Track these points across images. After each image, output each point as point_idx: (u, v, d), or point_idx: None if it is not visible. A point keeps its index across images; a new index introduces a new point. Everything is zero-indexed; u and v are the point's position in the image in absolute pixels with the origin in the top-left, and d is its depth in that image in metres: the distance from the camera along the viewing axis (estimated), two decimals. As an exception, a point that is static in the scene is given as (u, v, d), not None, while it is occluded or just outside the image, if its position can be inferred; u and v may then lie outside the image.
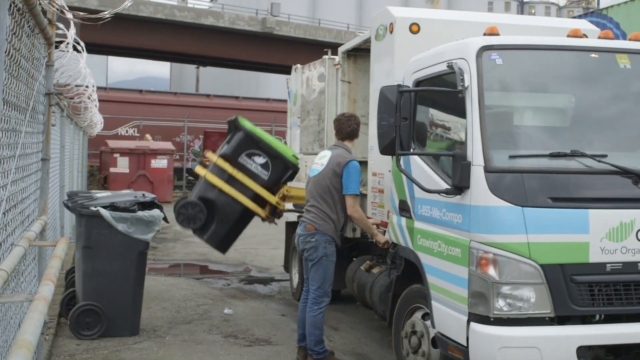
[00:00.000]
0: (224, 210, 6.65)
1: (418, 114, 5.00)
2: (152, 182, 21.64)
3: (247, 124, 6.73)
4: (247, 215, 6.79)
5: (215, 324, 7.26)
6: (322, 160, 5.98)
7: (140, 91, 29.09)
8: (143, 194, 6.92)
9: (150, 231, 6.57)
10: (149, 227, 6.55)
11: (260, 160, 6.64)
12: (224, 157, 6.68)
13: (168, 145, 23.39)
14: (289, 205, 7.23)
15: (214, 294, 8.87)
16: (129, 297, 6.61)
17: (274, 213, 6.91)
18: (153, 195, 6.97)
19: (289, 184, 7.04)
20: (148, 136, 25.07)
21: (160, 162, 22.14)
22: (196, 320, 7.43)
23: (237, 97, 30.92)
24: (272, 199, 6.73)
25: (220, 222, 6.68)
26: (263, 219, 6.90)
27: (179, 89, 51.94)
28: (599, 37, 4.97)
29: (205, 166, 6.84)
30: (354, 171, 5.78)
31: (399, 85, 4.81)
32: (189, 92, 42.03)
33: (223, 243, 6.98)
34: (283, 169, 6.72)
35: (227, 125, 6.94)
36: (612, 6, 15.54)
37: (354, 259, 7.09)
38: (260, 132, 6.76)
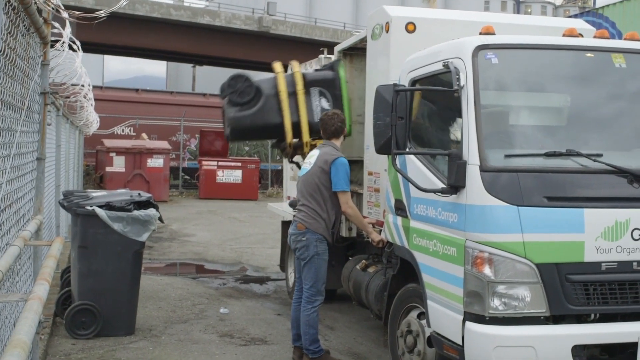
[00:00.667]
0: (266, 111, 6.72)
1: (414, 113, 5.00)
2: (148, 182, 21.60)
3: (342, 72, 6.88)
4: (277, 130, 6.80)
5: (211, 324, 7.26)
6: (310, 159, 6.01)
7: (137, 90, 29.03)
8: (139, 193, 6.91)
9: (146, 231, 6.56)
10: (144, 226, 6.54)
11: (325, 104, 6.77)
12: (303, 75, 6.79)
13: (164, 144, 23.35)
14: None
15: (209, 294, 8.86)
16: (125, 296, 6.60)
17: (296, 148, 6.97)
18: (149, 195, 6.96)
19: None
20: (144, 135, 25.02)
21: (156, 162, 22.10)
22: (192, 319, 7.43)
23: (233, 96, 30.84)
24: (307, 137, 6.79)
25: (255, 114, 6.72)
26: (284, 146, 6.96)
27: (175, 88, 51.86)
28: (595, 37, 4.98)
29: (285, 69, 6.96)
30: (341, 168, 5.78)
31: (395, 85, 4.82)
32: (186, 91, 41.95)
33: (240, 132, 6.96)
34: None
35: (322, 67, 7.11)
36: (607, 5, 15.58)
37: (350, 258, 7.09)
38: (344, 87, 6.87)
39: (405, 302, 5.21)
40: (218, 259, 12.00)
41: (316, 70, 6.95)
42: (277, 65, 6.92)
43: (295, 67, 6.90)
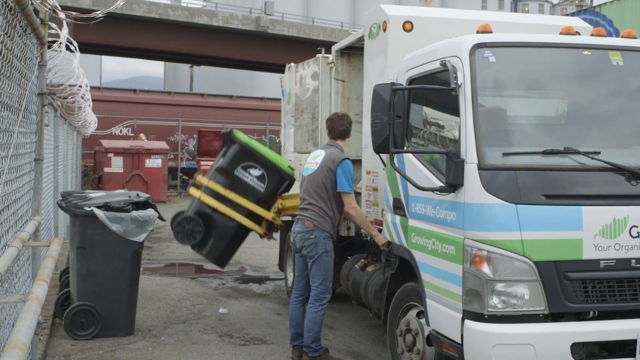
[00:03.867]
0: (221, 226, 6.65)
1: (412, 112, 5.00)
2: (147, 182, 21.60)
3: (242, 136, 6.73)
4: (244, 231, 6.78)
5: (210, 324, 7.26)
6: (316, 159, 6.01)
7: (134, 91, 29.06)
8: (137, 194, 6.91)
9: (144, 231, 6.56)
10: (143, 227, 6.54)
11: (256, 172, 6.62)
12: (219, 170, 6.67)
13: (162, 144, 23.34)
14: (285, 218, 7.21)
15: (208, 294, 8.86)
16: (124, 297, 6.60)
17: (271, 228, 6.93)
18: (147, 195, 6.96)
19: (284, 195, 6.95)
20: (142, 136, 25.03)
21: (154, 162, 22.09)
22: (191, 319, 7.42)
23: (231, 96, 30.88)
24: (268, 215, 6.74)
25: (218, 237, 6.68)
26: (261, 236, 6.92)
27: (173, 88, 51.87)
28: (592, 35, 4.98)
29: (198, 187, 6.79)
30: (347, 169, 5.83)
31: (392, 84, 4.82)
32: (183, 91, 41.98)
33: (222, 257, 6.97)
34: (279, 181, 6.72)
35: (222, 137, 6.96)
36: (605, 3, 15.60)
37: (349, 257, 7.09)
38: (255, 144, 6.77)
39: (404, 300, 5.22)
40: (217, 259, 11.97)
41: (222, 155, 6.74)
42: (193, 191, 6.76)
43: (204, 181, 6.68)
